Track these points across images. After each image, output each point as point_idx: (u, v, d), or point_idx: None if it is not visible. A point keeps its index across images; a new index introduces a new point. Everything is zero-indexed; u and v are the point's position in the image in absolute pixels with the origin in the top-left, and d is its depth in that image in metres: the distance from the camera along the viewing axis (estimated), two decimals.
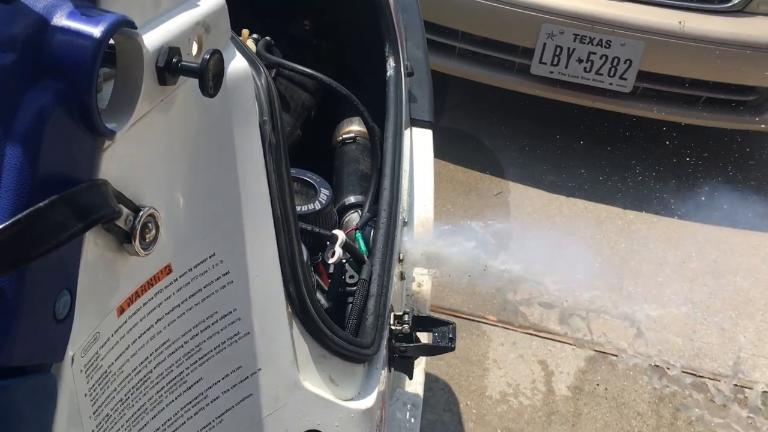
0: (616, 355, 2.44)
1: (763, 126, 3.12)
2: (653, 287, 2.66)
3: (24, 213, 0.48)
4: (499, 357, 2.38)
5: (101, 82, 0.61)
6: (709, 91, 2.99)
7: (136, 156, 0.61)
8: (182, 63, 0.61)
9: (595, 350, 2.45)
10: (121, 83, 0.59)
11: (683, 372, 2.42)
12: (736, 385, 2.40)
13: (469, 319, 2.48)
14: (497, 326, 2.47)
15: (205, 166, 0.71)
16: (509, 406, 2.24)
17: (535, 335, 2.47)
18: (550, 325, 2.50)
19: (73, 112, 0.52)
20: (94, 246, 0.58)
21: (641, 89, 2.99)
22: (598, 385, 2.35)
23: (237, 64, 0.73)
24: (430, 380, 2.25)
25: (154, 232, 0.63)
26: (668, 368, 2.43)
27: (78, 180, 0.54)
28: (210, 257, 0.73)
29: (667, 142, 3.41)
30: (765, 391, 2.39)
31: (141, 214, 0.60)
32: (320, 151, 1.51)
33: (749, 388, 2.40)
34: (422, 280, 1.52)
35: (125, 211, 0.59)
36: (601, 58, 2.87)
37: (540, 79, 3.01)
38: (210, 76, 0.62)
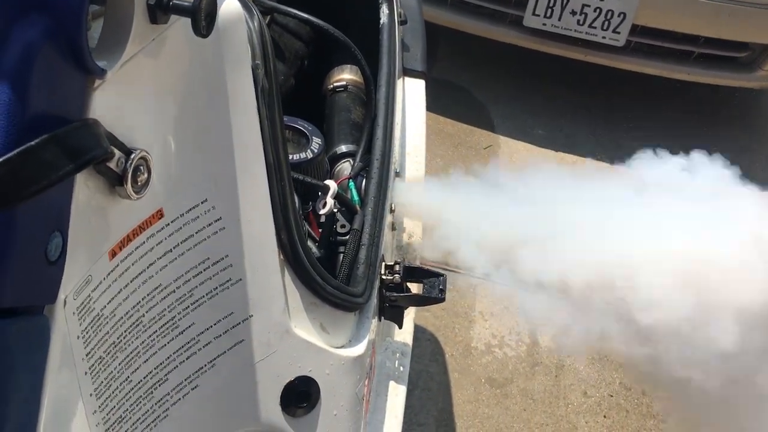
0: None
1: (754, 83, 3.11)
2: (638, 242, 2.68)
3: (14, 152, 0.47)
4: (484, 309, 2.41)
5: (91, 20, 0.60)
6: (702, 47, 2.97)
7: (127, 97, 0.60)
8: (174, 1, 0.59)
9: (579, 302, 2.48)
10: (110, 21, 0.58)
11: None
12: None
13: (456, 272, 2.50)
14: (484, 279, 2.49)
15: (197, 110, 0.69)
16: (494, 357, 2.27)
17: (521, 288, 2.48)
18: (536, 277, 2.51)
19: (62, 49, 0.51)
20: (85, 188, 0.57)
21: (634, 43, 2.97)
22: None
23: (229, 6, 0.71)
24: (417, 331, 2.27)
25: (145, 175, 0.62)
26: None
27: (68, 119, 0.52)
28: (202, 203, 0.72)
29: (659, 99, 3.40)
30: None
31: (133, 156, 0.59)
32: (313, 100, 1.49)
33: None
34: (413, 231, 1.52)
35: (117, 152, 0.58)
36: (595, 10, 2.83)
37: (532, 31, 2.97)
38: (202, 16, 0.61)
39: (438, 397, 2.13)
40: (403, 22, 1.63)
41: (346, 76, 1.46)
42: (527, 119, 3.21)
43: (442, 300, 1.16)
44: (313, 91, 1.51)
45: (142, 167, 0.61)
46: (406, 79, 1.65)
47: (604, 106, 3.33)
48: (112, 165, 0.58)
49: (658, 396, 2.24)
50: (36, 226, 0.51)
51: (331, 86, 1.46)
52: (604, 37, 2.90)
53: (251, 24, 0.79)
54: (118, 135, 0.58)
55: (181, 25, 0.64)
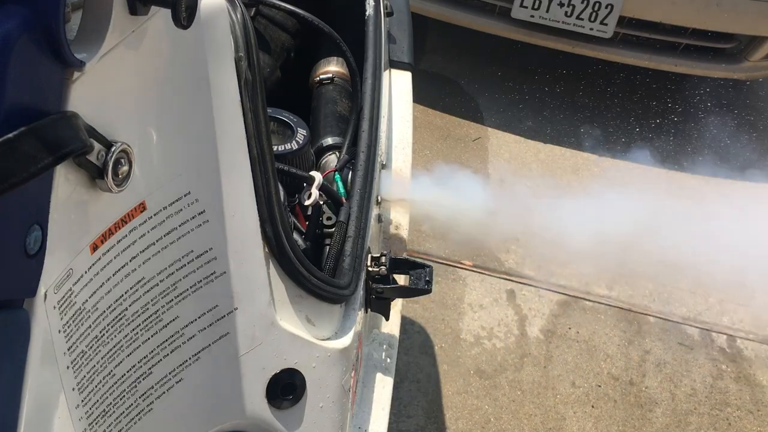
0: (587, 299, 2.49)
1: (740, 74, 3.13)
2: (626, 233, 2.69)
3: None
4: (474, 301, 2.41)
5: (69, 12, 0.59)
6: (688, 39, 2.98)
7: (107, 89, 0.59)
8: None
9: (567, 294, 2.50)
10: (89, 12, 0.57)
11: (653, 316, 2.47)
12: (703, 329, 2.46)
13: (446, 264, 2.50)
14: (473, 271, 2.50)
15: (179, 102, 0.69)
16: (483, 349, 2.28)
17: (510, 280, 2.50)
18: (524, 270, 2.53)
19: (40, 41, 0.50)
20: (65, 181, 0.56)
21: (621, 35, 2.98)
22: (569, 328, 2.40)
23: None
24: (406, 323, 2.27)
25: (126, 168, 0.61)
26: (638, 312, 2.48)
27: (47, 112, 0.52)
28: (185, 195, 0.72)
29: (646, 90, 3.41)
30: (731, 335, 2.46)
31: (113, 149, 0.59)
32: (299, 92, 1.48)
33: (716, 332, 2.46)
34: (400, 223, 1.53)
35: (97, 145, 0.57)
36: (582, 2, 2.84)
37: (520, 23, 2.97)
38: (183, 7, 0.60)
39: (427, 388, 2.14)
40: (389, 14, 1.62)
41: (332, 68, 1.46)
42: (516, 111, 3.21)
43: (429, 291, 1.17)
44: (300, 83, 1.51)
45: (123, 160, 0.61)
46: (393, 71, 1.65)
47: (592, 98, 3.34)
48: (92, 158, 0.57)
49: (645, 386, 2.25)
50: (14, 219, 0.51)
51: (318, 78, 1.46)
52: (591, 29, 2.90)
53: (234, 16, 0.79)
54: (98, 127, 0.58)
55: (161, 16, 0.63)
